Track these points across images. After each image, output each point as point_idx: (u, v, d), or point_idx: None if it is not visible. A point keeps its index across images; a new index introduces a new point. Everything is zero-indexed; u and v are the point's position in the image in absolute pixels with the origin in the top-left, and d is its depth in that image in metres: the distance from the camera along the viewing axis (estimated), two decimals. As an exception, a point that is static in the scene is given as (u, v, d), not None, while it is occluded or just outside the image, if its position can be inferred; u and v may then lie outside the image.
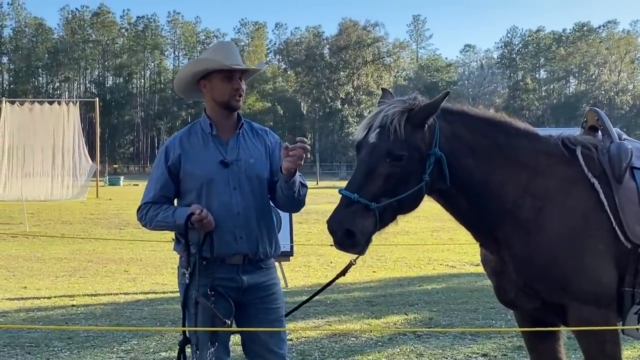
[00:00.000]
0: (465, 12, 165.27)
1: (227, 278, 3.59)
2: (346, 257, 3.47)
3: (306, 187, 3.74)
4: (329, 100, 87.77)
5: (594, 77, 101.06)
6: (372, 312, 8.43)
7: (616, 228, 3.43)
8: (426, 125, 3.37)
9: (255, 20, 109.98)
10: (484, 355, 6.32)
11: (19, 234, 17.60)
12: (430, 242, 16.10)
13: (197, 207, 3.49)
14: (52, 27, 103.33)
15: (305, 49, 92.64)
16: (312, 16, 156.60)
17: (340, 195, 3.30)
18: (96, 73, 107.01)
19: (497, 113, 3.80)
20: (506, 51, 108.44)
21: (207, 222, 3.48)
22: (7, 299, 9.51)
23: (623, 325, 3.55)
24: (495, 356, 6.28)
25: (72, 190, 32.53)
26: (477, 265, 12.14)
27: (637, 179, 3.54)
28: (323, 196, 26.19)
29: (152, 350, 6.56)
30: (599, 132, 3.80)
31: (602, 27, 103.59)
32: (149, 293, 10.02)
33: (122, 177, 58.12)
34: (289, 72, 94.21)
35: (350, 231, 3.21)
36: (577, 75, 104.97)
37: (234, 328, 3.67)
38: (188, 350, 3.63)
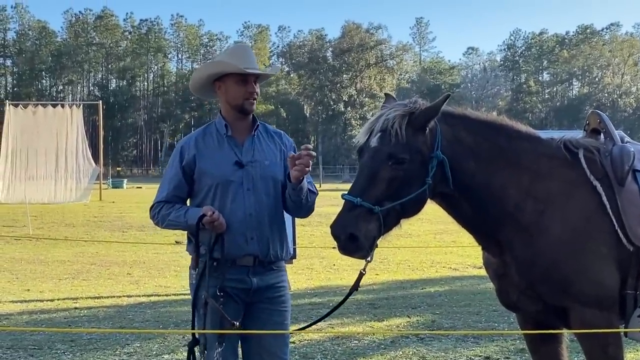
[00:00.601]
0: (468, 14, 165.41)
1: (237, 279, 3.59)
2: (349, 261, 3.47)
3: (315, 193, 3.75)
4: (331, 103, 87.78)
5: (597, 79, 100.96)
6: (374, 314, 8.43)
7: (618, 231, 3.43)
8: (427, 129, 3.38)
9: (259, 23, 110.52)
10: (487, 357, 6.31)
11: (23, 236, 17.63)
12: (433, 245, 16.10)
13: (208, 209, 3.50)
14: (56, 30, 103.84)
15: (308, 52, 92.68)
16: (315, 19, 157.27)
17: (343, 200, 3.31)
18: (99, 76, 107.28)
19: (498, 116, 3.82)
20: (509, 54, 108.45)
21: (218, 224, 3.48)
22: (11, 302, 9.52)
23: (626, 327, 3.55)
24: (498, 359, 6.28)
25: (75, 193, 32.63)
26: (480, 267, 12.13)
27: (640, 181, 3.55)
28: (326, 199, 26.14)
29: (154, 352, 6.56)
30: (602, 134, 3.81)
31: (605, 30, 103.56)
32: (151, 295, 10.02)
33: (125, 180, 58.16)
34: (292, 75, 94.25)
35: (354, 235, 3.21)
36: (580, 77, 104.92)
37: (240, 330, 3.65)
38: (197, 351, 3.63)
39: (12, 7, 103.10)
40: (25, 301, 9.59)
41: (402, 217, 3.40)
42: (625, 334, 3.58)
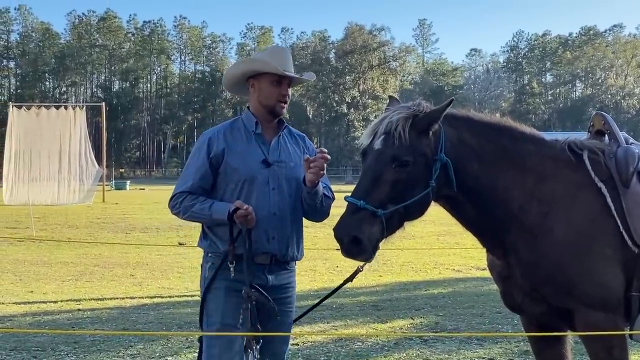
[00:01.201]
0: (471, 16, 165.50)
1: (255, 276, 3.56)
2: (353, 262, 3.46)
3: (331, 198, 3.76)
4: (334, 105, 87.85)
5: (600, 81, 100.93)
6: (378, 316, 8.42)
7: (623, 232, 3.42)
8: (431, 131, 3.37)
9: (262, 24, 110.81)
10: (490, 359, 6.30)
11: (26, 238, 17.63)
12: (437, 246, 16.07)
13: (240, 203, 3.48)
14: (59, 32, 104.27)
15: (311, 53, 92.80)
16: (318, 21, 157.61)
17: (347, 202, 3.30)
18: (102, 77, 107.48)
19: (502, 118, 3.81)
20: (512, 55, 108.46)
21: (250, 219, 3.47)
22: (14, 303, 9.53)
23: (631, 329, 3.54)
24: (502, 361, 6.27)
25: (78, 194, 32.66)
26: (484, 269, 12.11)
27: (644, 183, 3.53)
28: (329, 200, 26.17)
29: (158, 354, 6.56)
30: (606, 136, 3.79)
31: (608, 31, 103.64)
32: (155, 297, 10.02)
33: (128, 182, 58.28)
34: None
35: (357, 238, 3.21)
36: (583, 79, 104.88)
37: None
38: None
39: (15, 8, 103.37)
40: (29, 303, 9.59)
41: (405, 220, 3.39)
42: (631, 336, 3.57)
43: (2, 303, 9.49)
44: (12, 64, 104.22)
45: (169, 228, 19.25)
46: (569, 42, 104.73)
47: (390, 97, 3.80)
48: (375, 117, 3.54)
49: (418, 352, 6.51)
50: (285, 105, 3.73)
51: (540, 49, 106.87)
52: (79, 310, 9.06)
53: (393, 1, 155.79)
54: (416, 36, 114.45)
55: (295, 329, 7.42)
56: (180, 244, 14.67)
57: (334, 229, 3.28)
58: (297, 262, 3.85)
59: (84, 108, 35.95)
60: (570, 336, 3.86)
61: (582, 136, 3.94)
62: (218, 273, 3.57)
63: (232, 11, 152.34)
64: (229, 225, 3.49)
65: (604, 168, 3.57)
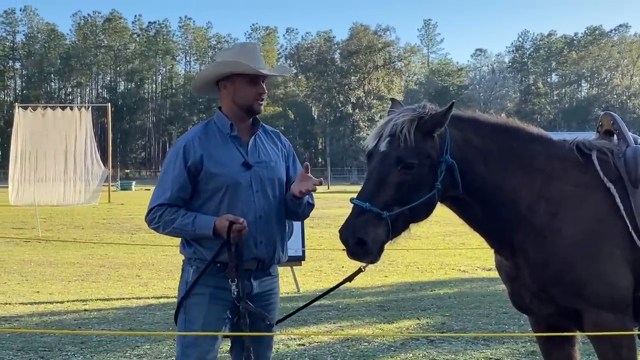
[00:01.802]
0: (476, 16, 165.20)
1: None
2: (358, 263, 3.46)
3: (312, 205, 3.75)
4: (339, 105, 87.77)
5: (605, 81, 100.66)
6: (384, 316, 8.41)
7: (632, 233, 3.41)
8: (436, 134, 3.36)
9: (267, 25, 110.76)
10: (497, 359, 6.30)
11: (32, 238, 17.68)
12: (442, 247, 16.06)
13: (234, 217, 3.37)
14: (65, 33, 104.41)
15: (316, 54, 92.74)
16: (323, 21, 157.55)
17: (352, 204, 3.30)
18: (108, 78, 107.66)
19: (508, 118, 3.79)
20: (517, 55, 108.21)
21: (244, 232, 3.39)
22: (21, 304, 9.55)
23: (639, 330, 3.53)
24: (509, 361, 6.25)
25: (84, 195, 32.73)
26: (489, 269, 12.11)
27: (653, 183, 3.52)
28: (334, 201, 26.20)
29: (164, 354, 6.56)
30: (615, 136, 3.78)
31: (613, 31, 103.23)
32: (161, 297, 10.03)
33: (134, 182, 58.35)
34: (299, 77, 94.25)
35: (362, 240, 3.20)
36: (589, 79, 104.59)
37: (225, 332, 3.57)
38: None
39: (21, 10, 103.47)
40: (35, 303, 9.61)
41: (411, 222, 3.39)
42: (639, 336, 3.56)
43: (9, 303, 9.52)
44: (17, 65, 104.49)
45: (175, 228, 19.18)
46: (575, 42, 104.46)
47: (392, 99, 3.78)
48: (381, 117, 3.55)
49: (425, 353, 6.50)
50: (263, 102, 3.65)
51: (546, 49, 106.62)
52: (85, 310, 9.07)
53: (398, 1, 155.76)
54: (421, 36, 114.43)
55: (302, 330, 7.42)
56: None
57: (339, 231, 3.28)
58: (279, 266, 3.76)
59: (90, 109, 36.02)
60: (579, 336, 3.85)
61: (590, 136, 3.93)
62: (201, 279, 3.46)
63: (237, 12, 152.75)
64: (227, 243, 3.37)
65: (613, 168, 3.56)
